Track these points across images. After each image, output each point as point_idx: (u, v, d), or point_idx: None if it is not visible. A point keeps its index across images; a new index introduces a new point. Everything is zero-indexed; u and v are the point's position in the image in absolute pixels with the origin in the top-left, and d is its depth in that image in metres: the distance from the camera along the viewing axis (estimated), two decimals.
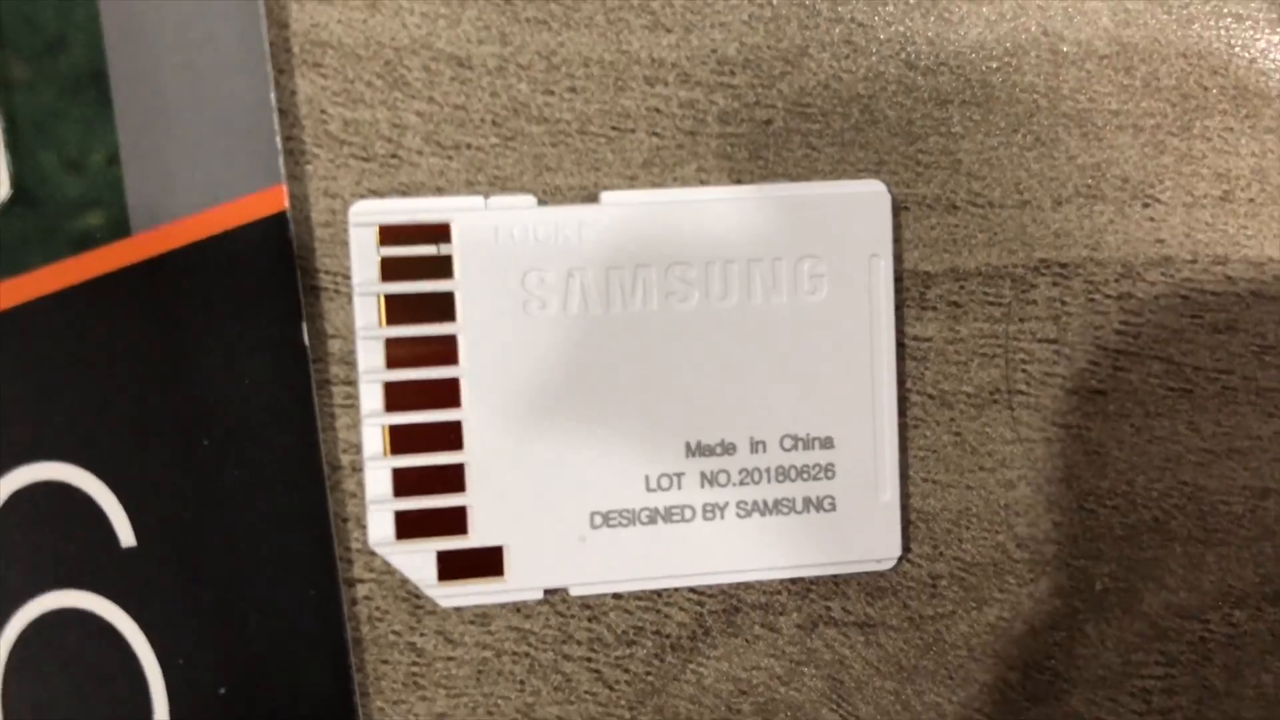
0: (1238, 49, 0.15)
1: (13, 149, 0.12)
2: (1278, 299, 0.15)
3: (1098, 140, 0.14)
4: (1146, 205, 0.15)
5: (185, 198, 0.12)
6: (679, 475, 0.13)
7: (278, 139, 0.13)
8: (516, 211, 0.13)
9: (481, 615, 0.13)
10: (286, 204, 0.13)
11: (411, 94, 0.13)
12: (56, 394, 0.12)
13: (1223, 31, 0.15)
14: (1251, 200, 0.15)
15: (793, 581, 0.14)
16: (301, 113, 0.13)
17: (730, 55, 0.14)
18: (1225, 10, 0.15)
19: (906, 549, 0.14)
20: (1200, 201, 0.15)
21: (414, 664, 0.13)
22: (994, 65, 0.14)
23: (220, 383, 0.13)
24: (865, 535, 0.14)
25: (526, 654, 0.13)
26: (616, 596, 0.14)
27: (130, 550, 0.13)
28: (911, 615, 0.14)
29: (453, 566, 0.13)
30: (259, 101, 0.13)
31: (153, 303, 0.12)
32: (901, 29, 0.14)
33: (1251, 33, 0.15)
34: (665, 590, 0.14)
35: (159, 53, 0.12)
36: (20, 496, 0.12)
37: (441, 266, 0.13)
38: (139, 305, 0.12)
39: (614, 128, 0.14)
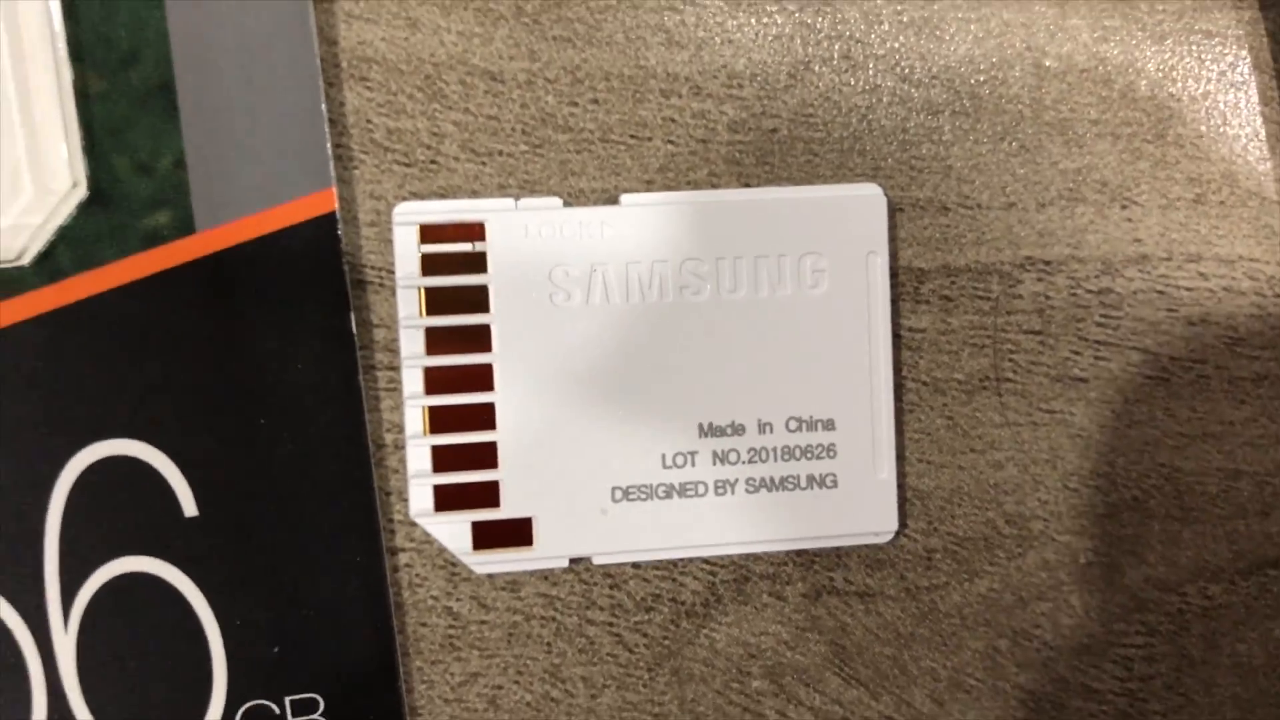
0: (1208, 62, 0.16)
1: (90, 153, 0.14)
2: (1247, 294, 0.16)
3: (1078, 147, 0.16)
4: (1124, 207, 0.16)
5: (244, 198, 0.14)
6: (692, 454, 0.14)
7: (328, 146, 0.14)
8: (544, 212, 0.14)
9: (512, 582, 0.15)
10: (336, 205, 0.14)
11: (449, 105, 0.14)
12: (126, 377, 0.14)
13: (1194, 46, 0.16)
14: (1222, 202, 0.16)
15: (798, 553, 0.15)
16: (349, 122, 0.14)
17: (739, 70, 0.15)
18: (1196, 27, 0.16)
19: (903, 524, 0.15)
20: (1174, 204, 0.16)
21: (450, 627, 0.14)
22: (981, 78, 0.15)
23: (275, 367, 0.14)
24: (864, 511, 0.15)
25: (553, 618, 0.15)
26: (635, 566, 0.15)
27: (192, 519, 0.14)
28: (908, 586, 0.15)
29: (486, 536, 0.14)
30: (311, 111, 0.14)
31: (214, 294, 0.14)
32: (895, 45, 0.15)
33: (1220, 47, 0.16)
34: (680, 560, 0.15)
35: (221, 67, 0.14)
36: (93, 470, 0.14)
37: (476, 262, 0.14)
38: (202, 297, 0.14)
39: (633, 136, 0.15)
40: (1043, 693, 0.16)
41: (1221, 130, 0.16)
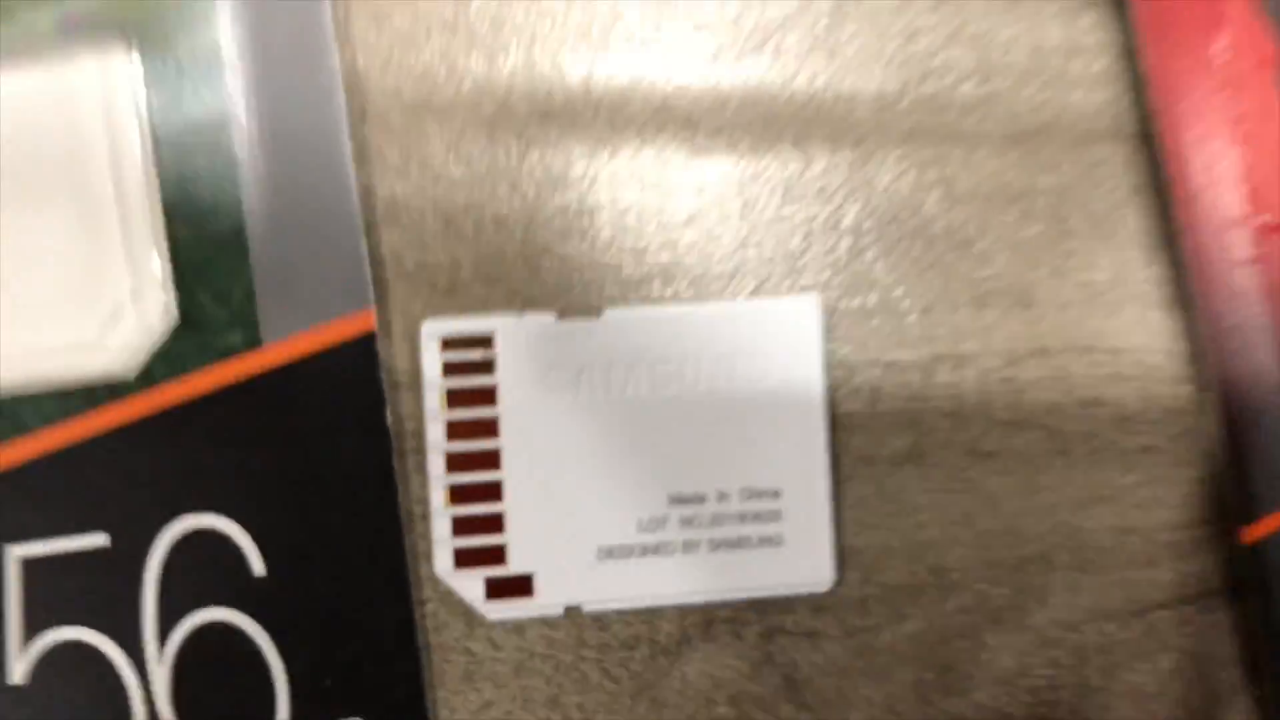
0: (1097, 185, 0.19)
1: (179, 287, 0.17)
2: (1133, 378, 0.19)
3: (985, 259, 0.19)
4: (1026, 308, 0.19)
5: (301, 318, 0.17)
6: (664, 519, 0.18)
7: (368, 275, 0.17)
8: (541, 324, 0.18)
9: (518, 626, 0.18)
10: (374, 323, 0.17)
11: (464, 242, 0.18)
12: (209, 464, 0.17)
13: (1085, 171, 0.19)
14: (1111, 302, 0.19)
15: (753, 601, 0.18)
16: (385, 256, 0.18)
17: (696, 209, 0.18)
18: (1087, 157, 0.19)
19: (841, 575, 0.18)
20: (1070, 304, 0.19)
21: (468, 663, 0.18)
22: (902, 205, 0.19)
23: (326, 456, 0.17)
24: (807, 564, 0.18)
25: (552, 655, 0.18)
26: (619, 612, 0.18)
27: (261, 578, 0.17)
28: (847, 627, 0.18)
29: (496, 588, 0.18)
30: (354, 248, 0.17)
31: (278, 397, 0.17)
32: (829, 180, 0.18)
33: (1107, 171, 0.19)
34: (656, 607, 0.18)
35: (282, 217, 0.17)
36: (184, 538, 0.17)
37: (487, 366, 0.18)
38: (268, 399, 0.17)
39: (612, 260, 0.18)
40: (963, 717, 0.19)
41: (1109, 241, 0.19)
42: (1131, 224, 0.19)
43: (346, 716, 0.17)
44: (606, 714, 0.18)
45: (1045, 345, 0.19)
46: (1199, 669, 0.19)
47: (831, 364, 0.18)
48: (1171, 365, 0.19)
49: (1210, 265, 0.19)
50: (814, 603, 0.18)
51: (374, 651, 0.17)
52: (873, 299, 0.19)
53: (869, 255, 0.19)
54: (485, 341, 0.18)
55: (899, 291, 0.19)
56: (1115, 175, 0.19)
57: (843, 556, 0.18)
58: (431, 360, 0.18)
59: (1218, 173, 0.19)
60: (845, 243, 0.19)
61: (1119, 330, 0.19)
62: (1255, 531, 0.19)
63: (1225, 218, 0.19)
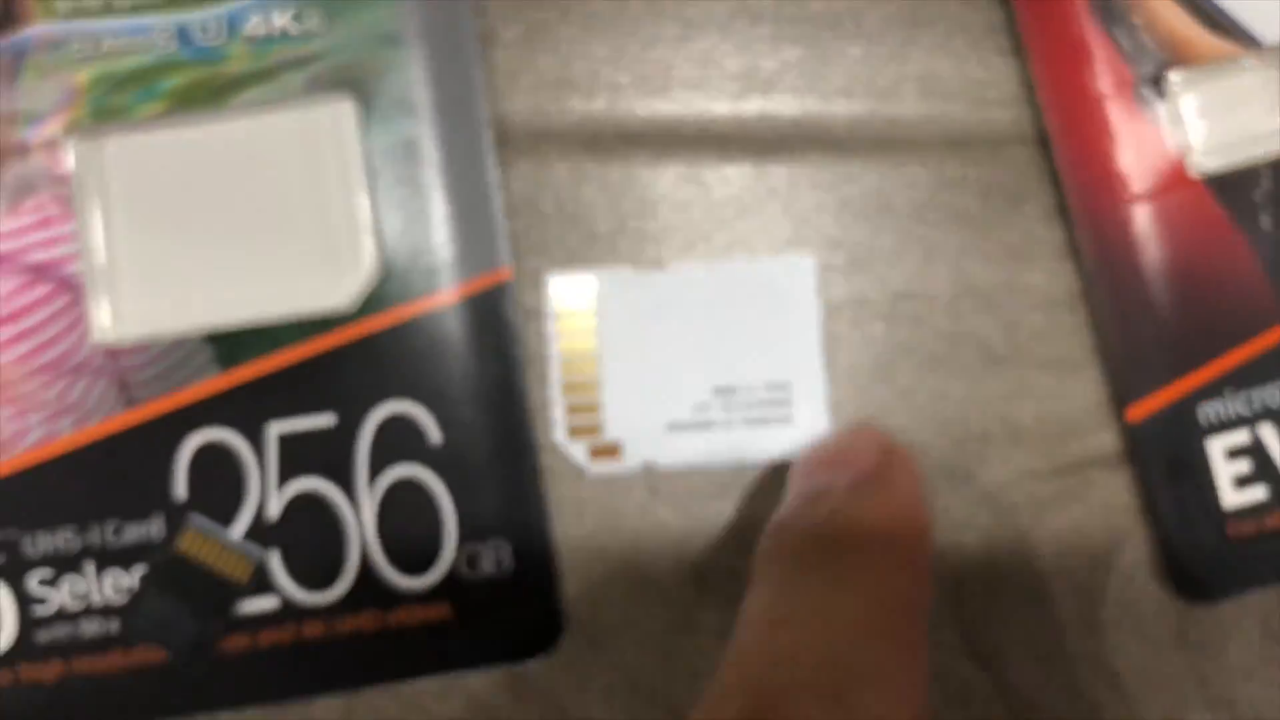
0: (1013, 176, 0.27)
1: (381, 251, 0.26)
2: (1044, 307, 0.27)
3: (934, 225, 0.27)
4: (962, 259, 0.27)
5: (463, 272, 0.25)
6: (708, 404, 0.26)
7: (508, 245, 0.26)
8: (626, 274, 0.26)
9: (610, 478, 0.26)
10: (511, 275, 0.26)
11: (571, 221, 0.26)
12: (403, 366, 0.25)
13: (1004, 166, 0.27)
14: (1024, 255, 0.27)
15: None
16: (520, 231, 0.26)
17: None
18: (1003, 156, 0.27)
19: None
20: (993, 257, 0.27)
21: (576, 504, 0.26)
22: (871, 190, 0.27)
23: (479, 362, 0.25)
24: (810, 438, 0.26)
25: (633, 499, 0.26)
26: (680, 469, 0.26)
27: (437, 445, 0.25)
28: None
29: (596, 452, 0.25)
30: (498, 225, 0.26)
31: (449, 324, 0.25)
32: (820, 183, 0.27)
33: (1019, 165, 0.27)
34: (707, 467, 0.26)
35: (452, 205, 0.26)
36: (386, 417, 0.25)
37: (588, 303, 0.26)
38: (442, 325, 0.25)
39: (671, 232, 0.26)
40: None
41: (1021, 212, 0.27)
42: (1040, 201, 0.27)
43: (494, 536, 0.25)
44: (669, 544, 0.26)
45: (977, 285, 0.27)
46: (1105, 516, 0.26)
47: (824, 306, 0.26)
48: (1073, 298, 0.27)
49: (1094, 225, 0.27)
50: None
51: (513, 494, 0.25)
52: (846, 258, 0.27)
53: (850, 229, 0.27)
54: (588, 285, 0.26)
55: (873, 254, 0.27)
56: (1024, 167, 0.27)
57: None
58: (555, 297, 0.26)
59: (1095, 161, 0.27)
60: (828, 219, 0.27)
61: (1031, 275, 0.27)
62: (1135, 412, 0.26)
63: (1104, 193, 0.27)
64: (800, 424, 0.26)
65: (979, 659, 0.26)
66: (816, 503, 0.22)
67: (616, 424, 0.26)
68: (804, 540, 0.21)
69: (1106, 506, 0.26)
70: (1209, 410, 0.26)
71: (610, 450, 0.26)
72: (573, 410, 0.26)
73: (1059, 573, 0.26)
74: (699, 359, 0.26)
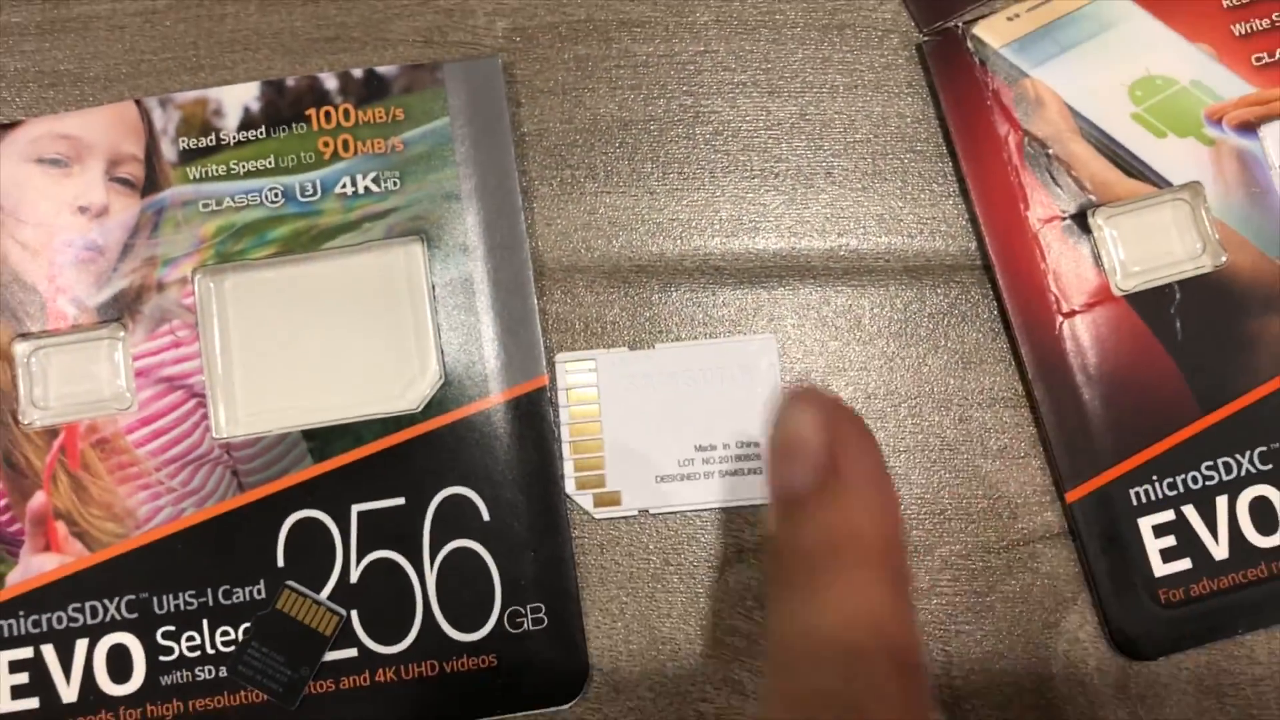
0: (965, 299, 0.32)
1: (442, 363, 0.32)
2: (993, 403, 0.32)
3: (894, 339, 0.32)
4: (928, 359, 0.32)
5: (508, 380, 0.31)
6: (692, 459, 0.31)
7: (544, 355, 0.31)
8: (621, 354, 0.32)
9: (613, 521, 0.31)
10: (547, 381, 0.31)
11: (588, 326, 0.32)
12: (460, 456, 0.31)
13: (958, 289, 0.33)
14: (977, 362, 0.32)
15: (754, 507, 0.31)
16: (550, 341, 0.32)
17: None
18: (956, 280, 0.33)
19: None
20: (948, 364, 0.32)
21: (588, 544, 0.31)
22: (842, 312, 0.32)
23: (520, 450, 0.31)
24: None
25: (632, 538, 0.31)
26: (669, 513, 0.31)
27: (487, 521, 0.31)
28: None
29: (600, 500, 0.31)
30: (538, 339, 0.32)
31: (497, 420, 0.31)
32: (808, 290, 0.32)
33: (969, 289, 0.32)
34: (694, 512, 0.31)
35: (499, 325, 0.32)
36: (445, 498, 0.31)
37: (592, 378, 0.32)
38: (491, 421, 0.31)
39: (662, 321, 0.32)
40: None
41: (972, 325, 0.32)
42: (986, 316, 0.32)
43: (532, 598, 0.30)
44: (679, 607, 0.31)
45: (934, 388, 0.32)
46: (1051, 584, 0.31)
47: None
48: (1017, 398, 0.32)
49: (1033, 336, 0.32)
50: None
51: (548, 563, 0.31)
52: (825, 365, 0.32)
53: (827, 343, 0.32)
54: (590, 363, 0.32)
55: (846, 362, 0.32)
56: (971, 289, 0.33)
57: None
58: (564, 373, 0.32)
59: (1032, 282, 0.32)
60: (809, 334, 0.32)
61: (980, 379, 0.32)
62: (1073, 495, 0.31)
63: (1041, 309, 0.32)
64: None
65: (944, 709, 0.31)
66: (791, 515, 0.22)
67: (616, 477, 0.31)
68: (790, 559, 0.22)
69: (1052, 576, 0.31)
70: (1138, 492, 0.31)
71: (612, 499, 0.31)
72: (580, 467, 0.31)
73: (1012, 632, 0.31)
74: (682, 422, 0.31)
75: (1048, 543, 0.31)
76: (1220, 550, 0.31)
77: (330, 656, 0.30)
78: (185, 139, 0.32)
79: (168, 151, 0.32)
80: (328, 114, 0.32)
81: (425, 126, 0.32)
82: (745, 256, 0.33)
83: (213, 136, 0.32)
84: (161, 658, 0.30)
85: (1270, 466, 0.31)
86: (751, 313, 0.32)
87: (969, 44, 0.33)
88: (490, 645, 0.30)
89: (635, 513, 0.31)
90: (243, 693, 0.30)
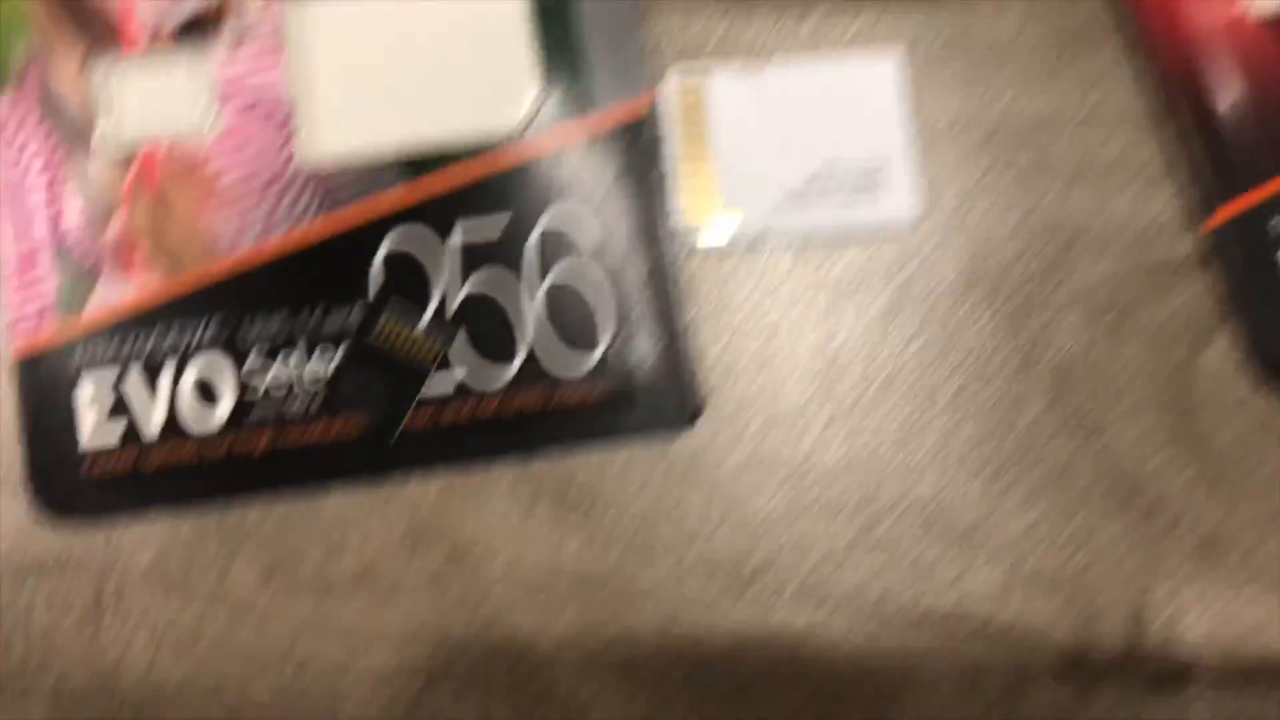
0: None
1: (547, 82, 0.30)
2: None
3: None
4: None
5: (613, 97, 0.29)
6: (808, 185, 0.29)
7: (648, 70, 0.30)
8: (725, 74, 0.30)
9: (724, 249, 0.29)
10: (657, 98, 0.30)
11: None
12: (567, 174, 0.29)
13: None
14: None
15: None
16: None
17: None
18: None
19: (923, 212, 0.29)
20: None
21: (698, 270, 0.29)
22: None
23: (627, 165, 0.29)
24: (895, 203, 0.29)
25: (747, 268, 0.29)
26: (788, 244, 0.29)
27: (595, 247, 0.29)
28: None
29: (711, 226, 0.29)
30: (643, 61, 0.30)
31: (604, 141, 0.29)
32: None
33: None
34: (813, 234, 0.29)
35: (607, 46, 0.30)
36: (549, 221, 0.29)
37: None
38: (598, 141, 0.29)
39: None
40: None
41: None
42: (1119, 36, 0.30)
43: (643, 325, 0.29)
44: (793, 328, 0.29)
45: (1063, 111, 0.30)
46: (1187, 314, 0.29)
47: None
48: (1151, 120, 0.30)
49: (1170, 54, 0.30)
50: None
51: (659, 288, 0.29)
52: (952, 77, 0.30)
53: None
54: (702, 81, 0.30)
55: (970, 82, 0.30)
56: (1101, 13, 0.31)
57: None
58: (675, 92, 0.30)
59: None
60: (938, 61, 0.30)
61: (1113, 99, 0.30)
62: (1211, 222, 0.29)
63: (1178, 24, 0.30)
64: (895, 195, 0.29)
65: (1084, 432, 0.29)
66: None
67: (732, 202, 0.29)
68: None
69: (1189, 306, 0.29)
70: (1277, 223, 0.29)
71: (723, 224, 0.29)
72: (691, 191, 0.29)
73: (1148, 366, 0.29)
74: (799, 145, 0.29)
75: (1183, 272, 0.30)
76: None
77: (430, 388, 0.29)
78: None
79: None
80: None
81: None
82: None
83: None
84: (252, 383, 0.29)
85: None
86: (872, 29, 0.30)
87: None
88: (598, 375, 0.29)
89: (752, 240, 0.29)
90: (337, 426, 0.29)
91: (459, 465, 0.29)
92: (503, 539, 0.29)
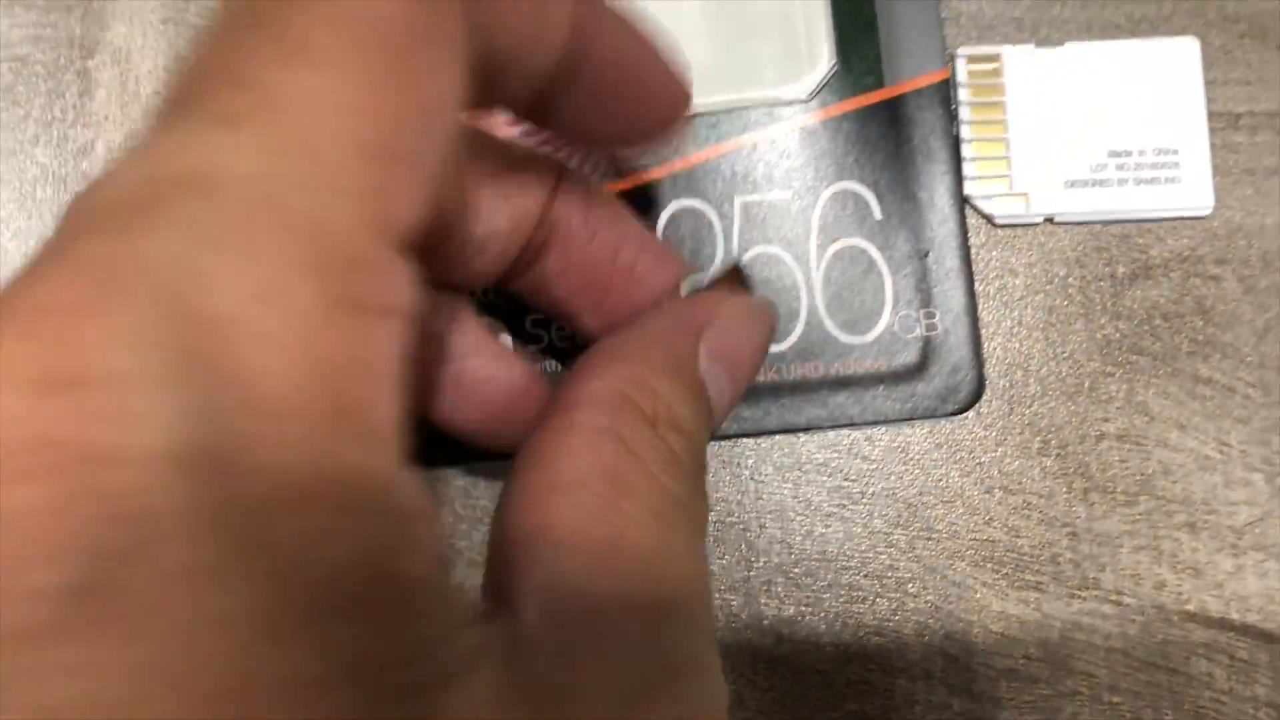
0: None
1: (837, 47, 0.29)
2: None
3: None
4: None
5: (906, 71, 0.29)
6: (1105, 164, 0.29)
7: (944, 49, 0.29)
8: (1030, 50, 0.29)
9: (1013, 229, 0.29)
10: (948, 74, 0.29)
11: None
12: (850, 151, 0.29)
13: None
14: None
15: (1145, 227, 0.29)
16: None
17: None
18: None
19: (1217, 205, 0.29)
20: None
21: (987, 249, 0.29)
22: None
23: (919, 146, 0.29)
24: (1193, 196, 0.29)
25: (1031, 242, 0.29)
26: (1078, 223, 0.29)
27: (879, 220, 0.29)
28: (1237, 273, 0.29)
29: (1002, 206, 0.29)
30: (940, 38, 0.29)
31: (892, 114, 0.29)
32: None
33: None
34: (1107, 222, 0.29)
35: (899, 21, 0.29)
36: (833, 194, 0.29)
37: (998, 74, 0.29)
38: (886, 115, 0.29)
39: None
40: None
41: None
42: None
43: (926, 304, 0.28)
44: (1068, 286, 0.29)
45: None
46: None
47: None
48: None
49: None
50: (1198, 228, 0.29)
51: (942, 266, 0.29)
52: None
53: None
54: (995, 58, 0.29)
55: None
56: None
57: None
58: (966, 69, 0.29)
59: None
60: None
61: None
62: None
63: None
64: (1189, 185, 0.29)
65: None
66: None
67: (1022, 180, 0.29)
68: None
69: None
70: None
71: (1016, 204, 0.29)
72: (982, 169, 0.29)
73: None
74: (1094, 125, 0.29)
75: None
76: None
77: None
78: None
79: None
80: None
81: None
82: None
83: None
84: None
85: None
86: (1171, 13, 0.30)
87: None
88: (879, 350, 0.29)
89: (1040, 220, 0.29)
90: None
91: (727, 435, 0.29)
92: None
